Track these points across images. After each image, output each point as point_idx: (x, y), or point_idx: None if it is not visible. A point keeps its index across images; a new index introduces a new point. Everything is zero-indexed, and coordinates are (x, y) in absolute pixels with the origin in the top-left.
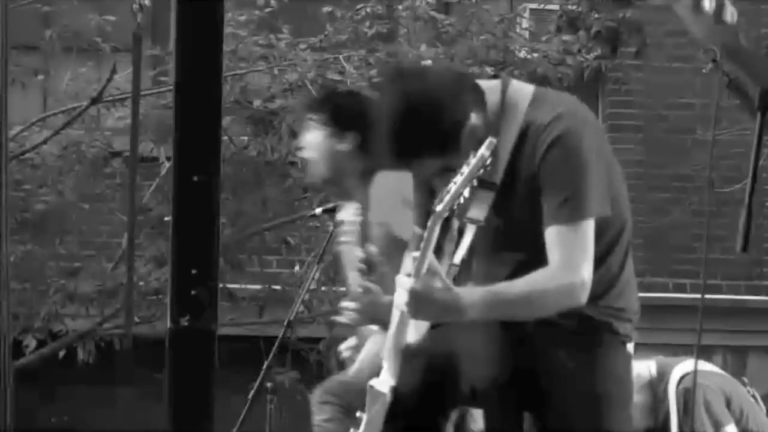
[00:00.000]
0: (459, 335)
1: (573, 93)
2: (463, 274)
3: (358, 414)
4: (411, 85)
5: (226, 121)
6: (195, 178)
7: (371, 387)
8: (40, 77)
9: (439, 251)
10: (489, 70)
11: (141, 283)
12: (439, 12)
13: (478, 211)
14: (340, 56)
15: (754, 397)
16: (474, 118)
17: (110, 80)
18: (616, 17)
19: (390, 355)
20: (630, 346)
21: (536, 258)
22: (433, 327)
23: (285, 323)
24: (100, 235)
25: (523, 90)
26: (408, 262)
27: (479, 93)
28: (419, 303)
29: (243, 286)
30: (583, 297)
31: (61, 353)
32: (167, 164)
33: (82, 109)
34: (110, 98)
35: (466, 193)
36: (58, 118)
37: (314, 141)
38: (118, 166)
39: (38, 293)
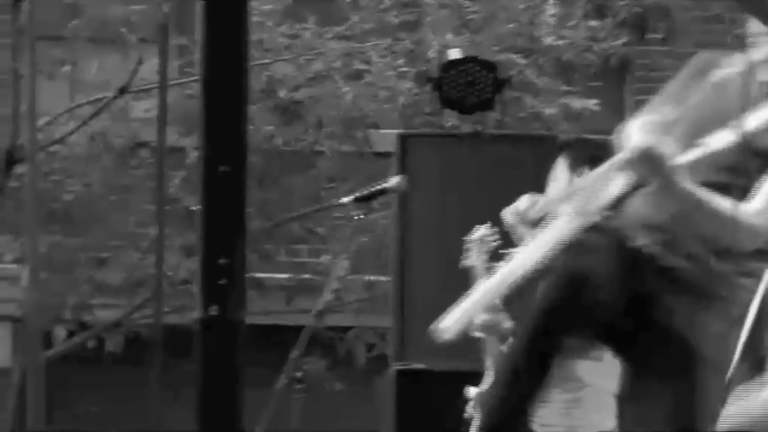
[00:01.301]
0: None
1: (599, 80)
2: None
3: None
4: None
5: (251, 110)
6: (222, 169)
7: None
8: (67, 68)
9: None
10: (515, 57)
11: (170, 273)
12: None
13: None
14: (366, 45)
15: None
16: None
17: (137, 71)
18: (642, 3)
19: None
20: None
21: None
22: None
23: (314, 313)
24: (128, 226)
25: None
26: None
27: None
28: (647, 156)
29: (271, 275)
30: (749, 246)
31: (90, 344)
32: (194, 155)
33: (109, 100)
34: (137, 89)
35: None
36: (84, 109)
37: (561, 174)
38: (145, 156)
39: (67, 284)
